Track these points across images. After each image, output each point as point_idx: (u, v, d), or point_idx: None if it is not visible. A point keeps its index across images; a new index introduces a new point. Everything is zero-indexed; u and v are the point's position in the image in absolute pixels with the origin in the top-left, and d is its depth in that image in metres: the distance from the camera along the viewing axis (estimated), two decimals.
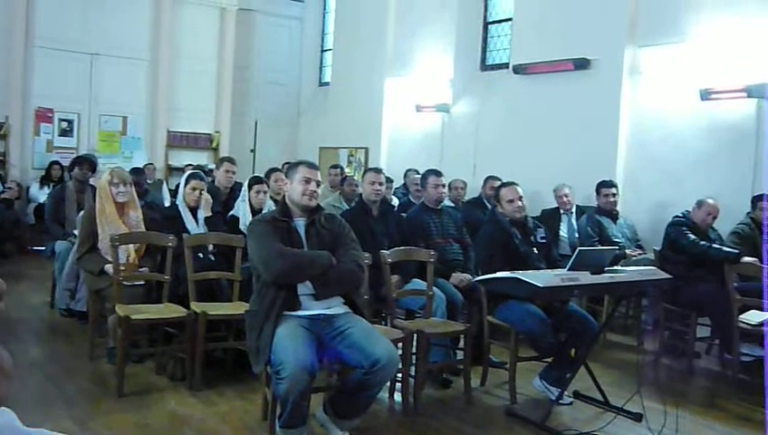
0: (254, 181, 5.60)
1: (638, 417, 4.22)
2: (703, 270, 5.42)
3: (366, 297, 4.30)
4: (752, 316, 5.07)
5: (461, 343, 4.78)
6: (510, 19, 8.75)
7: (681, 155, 6.78)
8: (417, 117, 9.73)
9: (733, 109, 6.45)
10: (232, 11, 12.01)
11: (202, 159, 11.63)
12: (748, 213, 5.97)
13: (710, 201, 5.66)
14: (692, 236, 5.51)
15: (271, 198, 5.73)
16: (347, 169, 9.62)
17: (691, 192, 6.10)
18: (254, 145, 11.52)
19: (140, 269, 4.77)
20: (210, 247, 5.00)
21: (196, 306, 4.43)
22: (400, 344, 4.11)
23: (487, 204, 7.34)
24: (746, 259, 5.28)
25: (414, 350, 4.37)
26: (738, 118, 6.43)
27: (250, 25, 12.28)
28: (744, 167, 6.33)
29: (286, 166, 4.91)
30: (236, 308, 4.43)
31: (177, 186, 5.45)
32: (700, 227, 5.63)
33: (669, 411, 4.07)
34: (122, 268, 4.57)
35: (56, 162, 10.07)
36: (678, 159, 6.79)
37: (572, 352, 4.58)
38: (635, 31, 7.23)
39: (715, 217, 5.67)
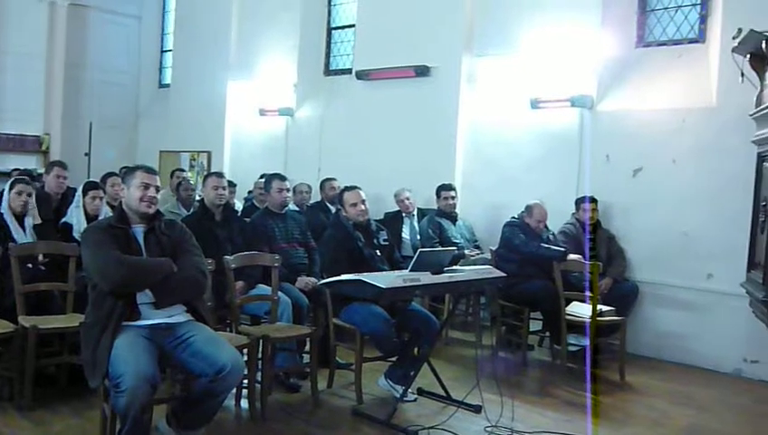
0: (89, 187, 5.33)
1: (477, 409, 4.44)
2: (534, 268, 5.77)
3: (209, 304, 4.22)
4: (577, 309, 5.47)
5: (307, 347, 4.81)
6: (353, 25, 8.87)
7: (515, 159, 7.15)
8: (260, 121, 9.64)
9: (559, 117, 6.89)
10: (63, 5, 11.30)
11: (30, 162, 10.83)
12: (573, 214, 6.42)
13: (537, 206, 6.03)
14: (523, 237, 5.85)
15: (107, 203, 5.49)
16: (189, 174, 9.36)
17: (524, 194, 6.46)
18: (89, 148, 10.89)
19: None
20: (40, 257, 4.70)
21: (24, 320, 4.16)
22: (246, 350, 4.08)
23: (330, 207, 7.42)
24: (572, 256, 5.68)
25: (260, 355, 4.34)
26: (564, 126, 6.87)
27: (83, 22, 11.63)
28: (569, 171, 6.77)
29: (123, 170, 4.73)
30: (70, 320, 4.20)
31: (2, 192, 5.09)
32: (533, 229, 5.99)
33: (506, 402, 4.33)
34: None
35: None
36: (512, 164, 7.16)
37: (415, 350, 4.74)
38: (471, 41, 7.55)
39: (543, 221, 6.05)
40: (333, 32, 9.40)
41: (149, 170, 3.65)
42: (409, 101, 7.81)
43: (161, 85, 12.23)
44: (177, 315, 3.54)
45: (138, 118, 12.27)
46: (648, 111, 6.41)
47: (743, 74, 4.05)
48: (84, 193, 5.24)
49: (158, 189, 3.62)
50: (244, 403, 4.33)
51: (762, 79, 3.97)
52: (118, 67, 12.08)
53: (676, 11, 6.59)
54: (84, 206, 5.20)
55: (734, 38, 3.95)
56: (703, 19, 6.40)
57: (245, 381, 4.15)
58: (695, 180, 6.08)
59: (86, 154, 10.83)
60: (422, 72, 7.70)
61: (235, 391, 4.24)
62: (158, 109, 11.58)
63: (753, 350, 5.66)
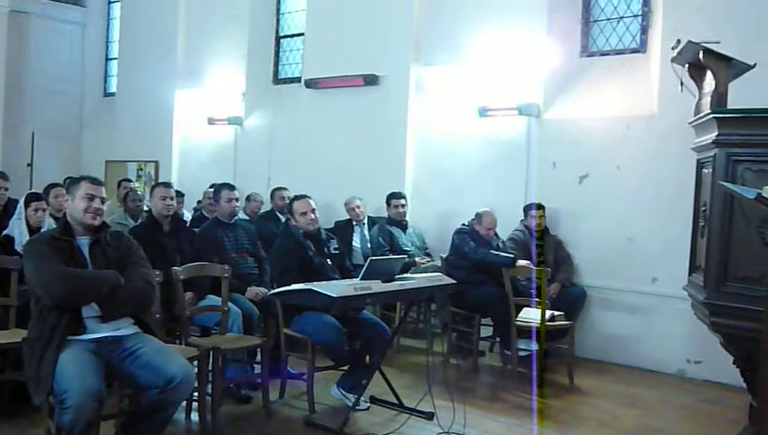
0: (32, 198, 5.20)
1: (429, 416, 4.46)
2: (484, 275, 5.83)
3: (158, 316, 4.15)
4: (529, 314, 5.53)
5: (258, 357, 4.77)
6: (302, 34, 8.86)
7: (463, 167, 7.22)
8: (209, 130, 9.54)
9: (507, 125, 6.98)
10: (3, 12, 11.00)
11: None
12: (521, 220, 6.51)
13: (487, 214, 6.10)
14: (473, 244, 5.91)
15: (51, 215, 5.37)
16: (136, 184, 9.20)
17: (473, 202, 6.53)
18: (31, 159, 10.64)
19: None
20: None
21: None
22: (196, 362, 4.03)
23: (280, 216, 7.39)
24: (520, 262, 5.75)
25: (210, 367, 4.29)
26: (512, 134, 6.96)
27: (24, 29, 11.35)
28: (517, 178, 6.87)
29: (68, 181, 4.63)
30: (13, 336, 4.08)
31: None
32: (483, 237, 6.06)
33: (458, 408, 4.35)
34: None
35: None
36: (461, 172, 7.23)
37: (367, 358, 4.74)
38: (420, 50, 7.61)
39: (492, 229, 6.12)
40: (282, 40, 9.37)
41: (95, 181, 3.59)
42: (359, 110, 7.84)
43: (106, 94, 12.01)
44: (124, 328, 3.48)
45: (82, 127, 12.01)
46: (592, 118, 6.54)
47: (682, 83, 4.15)
48: (26, 205, 5.10)
49: (103, 201, 3.56)
50: (195, 416, 4.28)
51: (700, 88, 4.08)
52: (61, 75, 11.81)
53: (619, 22, 6.76)
54: (26, 218, 5.07)
55: (673, 48, 4.06)
56: (644, 30, 6.58)
57: (196, 393, 4.09)
58: (638, 186, 6.23)
59: (28, 165, 10.59)
60: (371, 80, 7.73)
61: (185, 404, 4.18)
62: (104, 118, 11.36)
63: (696, 351, 5.81)
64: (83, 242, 3.50)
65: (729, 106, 3.68)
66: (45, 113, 11.39)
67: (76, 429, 3.01)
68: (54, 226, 4.36)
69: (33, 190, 5.83)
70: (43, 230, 4.86)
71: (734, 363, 3.71)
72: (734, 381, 4.53)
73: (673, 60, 4.12)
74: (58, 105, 11.67)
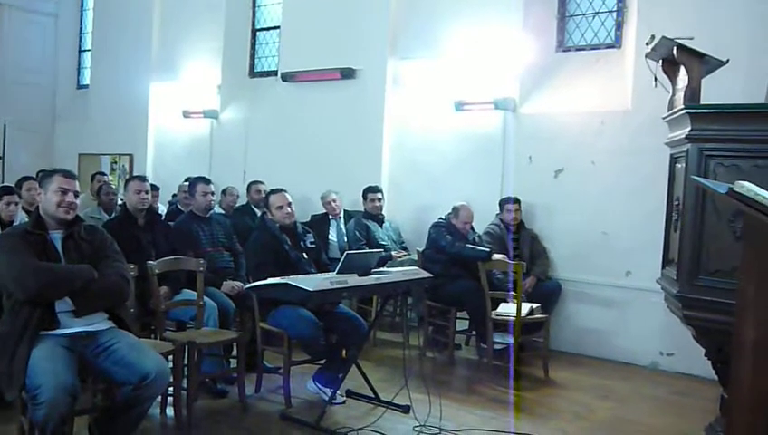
0: (4, 191, 5.15)
1: (406, 409, 4.48)
2: (460, 268, 5.86)
3: (132, 311, 4.13)
4: (507, 309, 5.56)
5: (234, 351, 4.76)
6: (278, 27, 8.82)
7: (439, 161, 7.24)
8: (184, 123, 9.46)
9: (483, 120, 7.01)
10: None
11: None
12: (497, 214, 6.54)
13: (464, 208, 6.13)
14: (449, 237, 5.93)
15: (23, 209, 5.31)
16: (110, 177, 9.11)
17: (450, 196, 6.55)
18: (3, 152, 10.51)
19: None
20: None
21: None
22: (171, 357, 4.01)
23: (256, 210, 7.36)
24: (496, 256, 5.78)
25: (186, 361, 4.27)
26: (488, 128, 6.99)
27: None
28: (493, 172, 6.90)
29: (41, 174, 4.58)
30: None
31: None
32: (460, 231, 6.08)
33: (434, 401, 4.37)
34: None
35: None
36: (437, 166, 7.25)
37: (344, 352, 4.75)
38: (396, 44, 7.60)
39: (469, 223, 6.15)
40: (258, 33, 9.32)
41: (68, 175, 3.54)
42: (335, 104, 7.82)
43: (80, 86, 11.85)
44: (98, 323, 3.45)
45: (55, 120, 11.85)
46: (568, 113, 6.59)
47: (656, 79, 4.19)
48: None
49: (76, 194, 3.52)
50: (170, 411, 4.26)
51: (673, 84, 4.11)
52: (33, 67, 11.63)
53: (594, 17, 6.81)
54: None
55: (647, 44, 4.09)
56: (619, 25, 6.63)
57: (171, 388, 4.07)
58: (613, 181, 6.29)
59: (0, 157, 10.44)
60: (347, 74, 7.72)
61: (160, 398, 4.17)
62: (77, 110, 11.22)
63: (669, 343, 5.89)
64: (56, 236, 3.46)
65: (702, 102, 3.71)
66: (17, 105, 11.21)
67: (49, 424, 2.99)
68: (27, 219, 4.31)
69: (5, 184, 5.77)
70: (15, 224, 4.80)
71: (705, 356, 3.75)
72: (706, 374, 4.60)
73: (647, 55, 4.15)
74: (30, 97, 11.49)
